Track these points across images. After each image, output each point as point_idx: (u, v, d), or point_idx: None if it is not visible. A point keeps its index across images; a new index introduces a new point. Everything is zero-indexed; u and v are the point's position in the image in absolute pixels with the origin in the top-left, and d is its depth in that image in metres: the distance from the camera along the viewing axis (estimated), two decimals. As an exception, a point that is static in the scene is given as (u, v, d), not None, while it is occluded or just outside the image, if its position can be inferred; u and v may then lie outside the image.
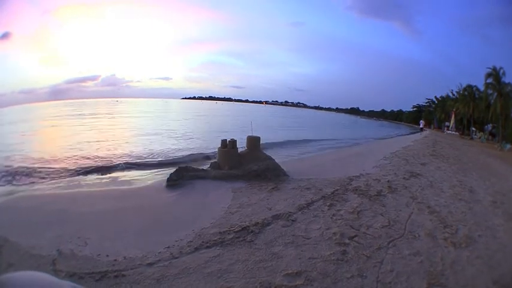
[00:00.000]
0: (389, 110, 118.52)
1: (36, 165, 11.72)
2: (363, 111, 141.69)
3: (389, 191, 8.71)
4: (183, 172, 9.24)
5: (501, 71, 40.17)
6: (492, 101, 41.69)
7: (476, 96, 49.32)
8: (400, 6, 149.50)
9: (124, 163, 12.65)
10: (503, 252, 5.39)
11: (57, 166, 11.81)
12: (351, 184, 9.17)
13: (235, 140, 10.53)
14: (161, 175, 10.42)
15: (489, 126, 44.04)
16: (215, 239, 5.30)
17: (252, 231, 5.59)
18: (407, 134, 45.36)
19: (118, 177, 10.66)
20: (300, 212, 6.69)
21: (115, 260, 4.52)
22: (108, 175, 10.89)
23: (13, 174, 10.36)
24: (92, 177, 10.47)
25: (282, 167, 10.45)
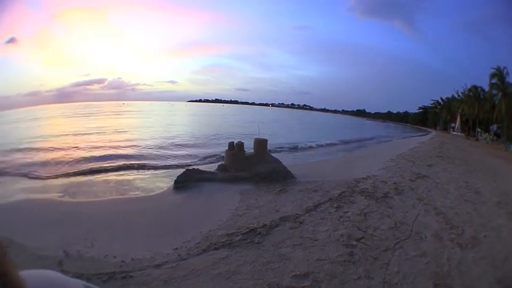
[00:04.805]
0: (395, 112, 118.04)
1: (44, 167, 11.84)
2: (369, 113, 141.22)
3: (395, 192, 8.71)
4: (191, 174, 9.29)
5: (505, 71, 39.91)
6: (497, 101, 41.39)
7: (481, 96, 49.00)
8: (400, 5, 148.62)
9: (131, 165, 12.70)
10: (507, 252, 5.39)
11: (64, 168, 11.89)
12: (357, 186, 9.18)
13: (243, 143, 10.57)
14: (169, 177, 10.46)
15: (494, 127, 43.65)
16: (223, 240, 5.34)
17: (259, 233, 5.63)
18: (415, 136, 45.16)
19: (125, 179, 10.71)
20: (307, 214, 6.72)
21: (122, 261, 4.57)
22: (116, 177, 10.94)
23: (21, 175, 10.46)
24: (99, 179, 10.52)
25: (289, 169, 10.47)
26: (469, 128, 52.08)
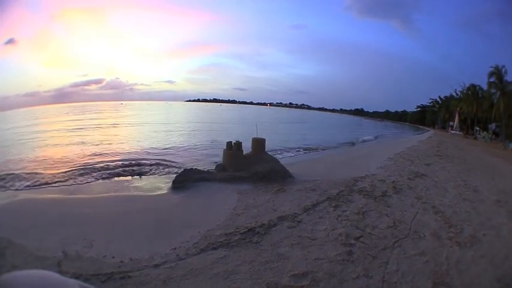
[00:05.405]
0: (393, 111, 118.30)
1: (42, 168, 11.80)
2: (367, 112, 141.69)
3: (394, 191, 8.71)
4: (189, 174, 9.27)
5: (503, 70, 40.08)
6: (495, 100, 41.50)
7: (480, 95, 49.14)
8: (397, 4, 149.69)
9: (130, 165, 12.68)
10: (507, 251, 5.38)
11: (63, 169, 11.86)
12: (356, 185, 9.17)
13: (241, 142, 10.56)
14: (167, 177, 10.44)
15: (493, 126, 43.75)
16: (221, 240, 5.32)
17: (258, 233, 5.61)
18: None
19: (124, 179, 10.70)
20: (305, 213, 6.70)
21: (121, 261, 4.54)
22: (114, 178, 10.92)
23: (19, 177, 10.42)
24: (98, 181, 10.50)
25: (287, 168, 10.46)
26: (468, 126, 52.25)
